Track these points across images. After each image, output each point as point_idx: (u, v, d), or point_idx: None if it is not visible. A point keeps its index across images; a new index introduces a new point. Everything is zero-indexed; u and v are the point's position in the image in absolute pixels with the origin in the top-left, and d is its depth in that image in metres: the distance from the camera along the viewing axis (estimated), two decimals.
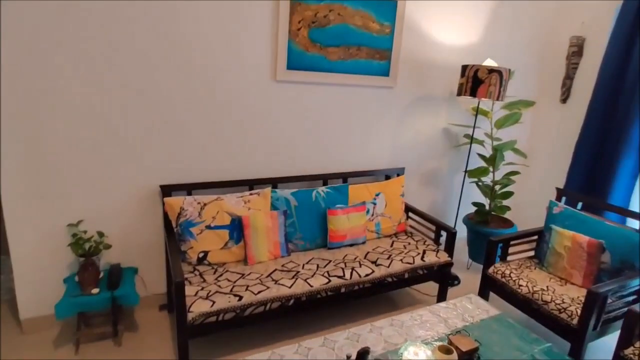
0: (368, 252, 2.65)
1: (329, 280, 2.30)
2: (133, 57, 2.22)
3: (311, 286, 2.24)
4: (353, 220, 2.71)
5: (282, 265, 2.42)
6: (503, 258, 2.74)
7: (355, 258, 2.55)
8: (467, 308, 2.07)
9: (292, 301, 2.20)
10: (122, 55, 2.20)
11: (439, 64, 3.17)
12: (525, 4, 3.36)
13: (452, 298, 2.22)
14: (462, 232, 3.50)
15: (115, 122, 2.28)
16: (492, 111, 3.19)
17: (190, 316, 1.96)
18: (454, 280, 3.18)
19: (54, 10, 1.99)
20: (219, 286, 2.16)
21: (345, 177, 2.99)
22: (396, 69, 2.97)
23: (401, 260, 2.55)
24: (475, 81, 2.77)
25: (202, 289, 2.12)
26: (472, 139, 3.10)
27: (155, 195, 2.48)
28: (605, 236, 2.38)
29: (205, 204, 2.40)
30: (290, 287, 2.20)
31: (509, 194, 3.29)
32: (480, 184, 3.28)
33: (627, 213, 2.63)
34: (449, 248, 2.72)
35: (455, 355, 1.61)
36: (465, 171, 3.18)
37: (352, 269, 2.40)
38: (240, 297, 2.07)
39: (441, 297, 2.78)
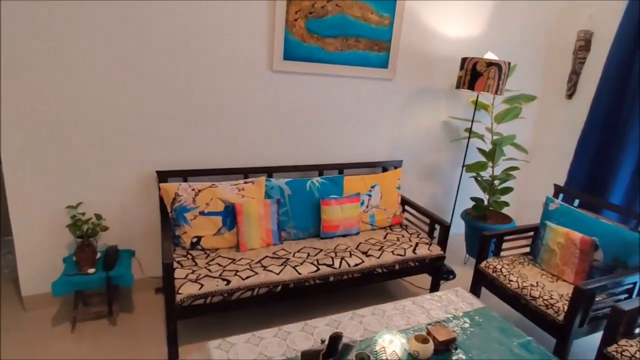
0: (360, 243, 2.67)
1: (318, 269, 2.33)
2: (132, 47, 2.27)
3: (299, 273, 2.27)
4: (347, 211, 2.73)
5: (273, 253, 2.46)
6: (497, 253, 2.72)
7: (346, 248, 2.57)
8: (451, 300, 2.08)
9: (279, 287, 2.24)
10: (122, 44, 2.25)
11: (440, 57, 3.15)
12: None
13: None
14: (461, 227, 3.50)
15: (115, 108, 2.34)
16: (492, 105, 3.16)
17: (178, 297, 2.01)
18: (449, 275, 3.20)
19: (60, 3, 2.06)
20: (209, 270, 2.21)
21: (341, 168, 3.01)
22: (395, 61, 2.96)
23: (392, 252, 2.56)
24: (473, 74, 2.74)
25: (193, 272, 2.17)
26: (470, 133, 3.07)
27: (152, 180, 2.55)
28: (600, 234, 2.35)
29: (199, 191, 2.45)
30: (278, 274, 2.24)
31: (508, 190, 3.26)
32: (479, 179, 3.25)
33: (622, 211, 2.59)
34: (443, 242, 2.71)
35: (431, 344, 1.63)
36: (463, 165, 3.15)
37: (342, 258, 2.43)
38: (228, 282, 2.12)
39: (434, 290, 2.78)
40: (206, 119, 2.58)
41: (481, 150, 3.22)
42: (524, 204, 3.85)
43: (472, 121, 3.04)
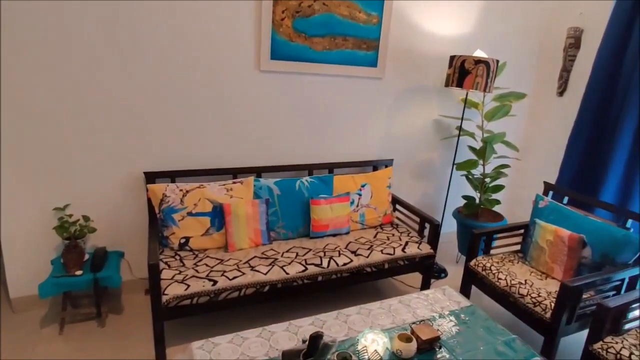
0: (350, 242, 2.66)
1: (306, 268, 2.32)
2: (118, 49, 2.27)
3: (287, 273, 2.27)
4: (336, 210, 2.73)
5: (262, 253, 2.45)
6: (487, 251, 2.72)
7: (335, 248, 2.57)
8: (438, 299, 2.08)
9: (267, 288, 2.23)
10: (108, 47, 2.25)
11: (430, 55, 3.14)
12: None
13: None
14: (453, 225, 3.49)
15: (102, 109, 2.34)
16: (483, 103, 3.15)
17: (164, 298, 2.01)
18: (440, 273, 3.20)
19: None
20: (197, 271, 2.21)
21: (331, 167, 3.00)
22: (384, 60, 2.95)
23: (381, 251, 2.55)
24: (462, 72, 2.74)
25: (180, 272, 2.17)
26: (460, 131, 3.07)
27: (140, 181, 2.55)
28: (588, 231, 2.34)
29: (187, 191, 2.45)
30: (265, 274, 2.23)
31: (499, 188, 3.26)
32: (470, 177, 3.25)
33: (609, 208, 2.58)
34: (433, 240, 2.71)
35: (414, 343, 1.62)
36: (454, 164, 3.15)
37: (331, 258, 2.42)
38: (215, 282, 2.12)
39: (425, 289, 2.77)
40: (194, 119, 2.57)
41: (472, 148, 3.21)
42: (517, 202, 3.84)
43: (462, 119, 3.03)
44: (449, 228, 3.58)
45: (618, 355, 1.73)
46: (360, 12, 2.76)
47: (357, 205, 2.89)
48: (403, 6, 2.91)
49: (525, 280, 2.32)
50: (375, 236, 2.80)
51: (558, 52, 3.41)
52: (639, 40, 2.70)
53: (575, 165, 3.09)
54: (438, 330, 1.76)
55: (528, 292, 2.21)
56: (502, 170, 3.19)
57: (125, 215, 2.57)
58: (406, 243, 2.67)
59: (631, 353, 1.71)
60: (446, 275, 3.20)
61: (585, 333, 2.13)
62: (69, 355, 2.13)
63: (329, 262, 2.39)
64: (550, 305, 2.08)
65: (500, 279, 2.38)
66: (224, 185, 2.55)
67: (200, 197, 2.46)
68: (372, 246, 2.61)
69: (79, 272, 2.26)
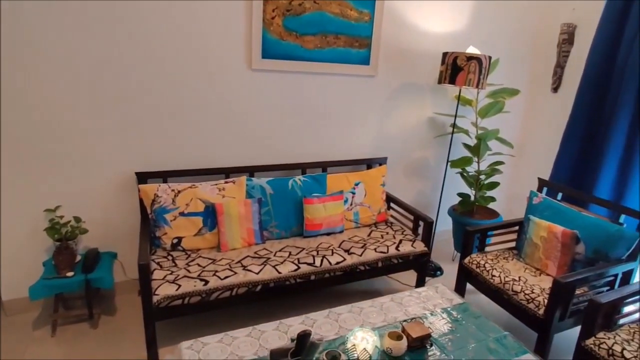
0: (343, 241, 2.65)
1: (298, 267, 2.31)
2: (109, 49, 2.26)
3: (279, 273, 2.26)
4: (329, 209, 2.72)
5: (255, 252, 2.44)
6: (481, 249, 2.71)
7: (329, 246, 2.56)
8: (430, 297, 2.07)
9: (259, 287, 2.22)
10: (99, 46, 2.24)
11: (423, 52, 3.13)
12: None
13: None
14: (450, 223, 3.48)
15: (92, 110, 2.33)
16: (476, 100, 3.14)
17: (155, 299, 2.00)
18: (436, 271, 3.19)
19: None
20: (188, 271, 2.20)
21: (324, 166, 2.99)
22: (377, 58, 2.94)
23: (375, 249, 2.54)
24: (454, 69, 2.72)
25: (171, 273, 2.16)
26: (454, 128, 3.06)
27: (132, 182, 2.54)
28: (581, 226, 2.33)
29: (179, 191, 2.44)
30: (257, 273, 2.22)
31: (494, 185, 3.25)
32: (465, 174, 3.24)
33: (603, 203, 2.57)
34: (427, 238, 2.70)
35: (404, 341, 1.61)
36: (448, 161, 3.14)
37: (324, 256, 2.41)
38: (207, 282, 2.11)
39: (419, 286, 2.76)
40: (186, 119, 2.56)
41: (466, 146, 3.20)
42: (514, 199, 3.83)
43: (455, 116, 3.02)
44: (445, 226, 3.57)
45: (610, 351, 1.71)
46: (352, 10, 2.75)
47: (351, 204, 2.88)
48: (395, 3, 2.90)
49: (519, 277, 2.31)
50: (369, 235, 2.79)
51: (552, 48, 3.40)
52: (631, 36, 2.69)
53: (570, 161, 3.08)
54: (429, 328, 1.75)
55: (522, 288, 2.20)
56: (497, 167, 3.18)
57: (118, 216, 2.56)
58: (400, 241, 2.66)
59: (623, 348, 1.70)
60: (442, 273, 3.19)
61: (578, 329, 2.13)
62: (61, 357, 2.12)
63: (321, 261, 2.38)
64: (544, 301, 2.07)
65: (494, 276, 2.36)
66: (216, 185, 2.54)
67: (192, 197, 2.45)
68: (365, 245, 2.60)
69: (70, 274, 2.25)
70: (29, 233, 2.35)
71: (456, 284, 2.66)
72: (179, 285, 2.06)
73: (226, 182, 2.58)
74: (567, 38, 3.23)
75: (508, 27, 3.37)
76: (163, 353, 2.15)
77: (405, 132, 3.30)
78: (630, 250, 2.18)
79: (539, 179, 2.88)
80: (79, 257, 2.39)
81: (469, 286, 2.60)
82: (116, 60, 2.30)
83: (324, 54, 2.76)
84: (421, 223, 2.75)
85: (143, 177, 2.49)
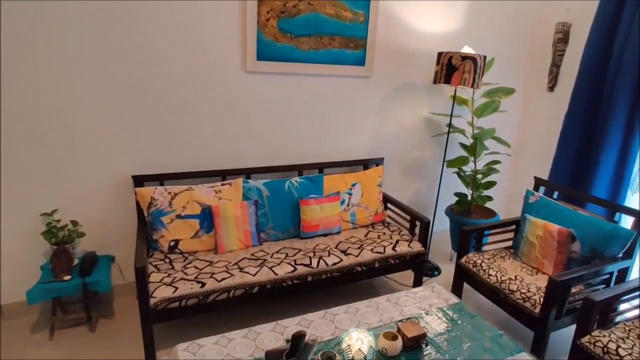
0: (340, 242, 2.66)
1: (295, 269, 2.32)
2: (104, 52, 2.27)
3: (276, 274, 2.26)
4: (326, 210, 2.72)
5: (252, 254, 2.45)
6: (478, 248, 2.72)
7: (326, 247, 2.56)
8: (427, 296, 2.07)
9: (256, 289, 2.23)
10: (93, 46, 2.24)
11: (419, 52, 3.14)
12: None
13: None
14: (447, 223, 3.48)
15: (88, 113, 2.33)
16: (472, 99, 3.15)
17: (152, 301, 2.01)
18: (434, 271, 3.19)
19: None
20: (185, 273, 2.20)
21: (321, 167, 3.00)
22: (372, 58, 2.95)
23: (371, 249, 2.55)
24: (449, 68, 2.73)
25: (168, 275, 2.17)
26: (449, 128, 3.06)
27: (129, 185, 2.54)
28: (577, 225, 2.34)
29: (175, 194, 2.45)
30: (254, 275, 2.23)
31: (491, 184, 3.25)
32: (461, 174, 3.24)
33: (599, 201, 2.57)
34: (424, 238, 2.70)
35: (399, 341, 1.62)
36: (444, 161, 3.14)
37: (320, 257, 2.41)
38: (203, 284, 2.12)
39: (417, 286, 2.76)
40: (182, 122, 2.57)
41: (463, 145, 3.21)
42: (512, 197, 3.83)
43: (451, 116, 3.03)
44: (443, 225, 3.58)
45: (605, 349, 1.72)
46: (347, 11, 2.76)
47: (348, 205, 2.89)
48: (390, 4, 2.91)
49: (516, 276, 2.31)
50: (366, 235, 2.79)
51: (547, 47, 3.40)
52: (625, 34, 2.69)
53: (568, 160, 3.08)
54: (425, 327, 1.75)
55: (518, 287, 2.21)
56: (494, 166, 3.18)
57: (115, 219, 2.57)
58: (397, 241, 2.66)
59: (618, 346, 1.70)
60: (439, 273, 3.19)
61: (573, 328, 2.14)
62: None
63: (318, 262, 2.38)
64: (540, 300, 2.07)
65: (490, 275, 2.37)
66: (213, 187, 2.55)
67: (189, 199, 2.46)
68: (362, 245, 2.60)
69: (67, 277, 2.26)
70: (27, 237, 2.36)
71: (453, 283, 2.67)
72: (176, 288, 2.06)
73: (223, 185, 2.58)
74: (562, 37, 3.24)
75: (503, 27, 3.38)
76: (160, 355, 2.15)
77: (401, 132, 3.31)
78: (626, 248, 2.18)
79: (535, 177, 2.88)
80: (76, 261, 2.40)
81: (467, 285, 2.60)
82: (110, 64, 2.31)
83: (319, 55, 2.77)
84: (418, 223, 2.75)
85: (140, 180, 2.50)
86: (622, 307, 2.08)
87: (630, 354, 1.66)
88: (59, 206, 2.40)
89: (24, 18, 2.08)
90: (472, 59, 2.68)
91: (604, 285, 2.20)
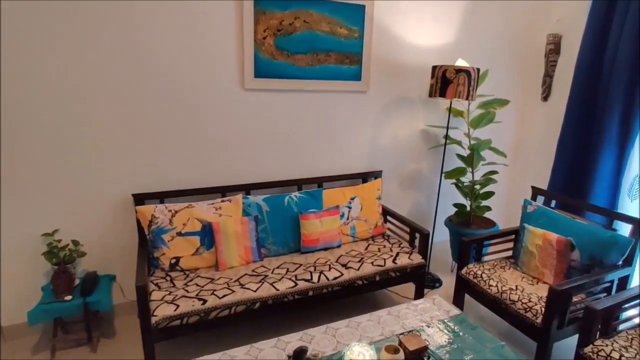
0: (340, 256, 2.66)
1: (296, 284, 2.32)
2: (104, 70, 2.31)
3: (277, 290, 2.26)
4: (326, 224, 2.73)
5: (253, 270, 2.45)
6: (478, 259, 2.72)
7: (326, 262, 2.56)
8: (428, 309, 2.07)
9: (257, 305, 2.23)
10: (94, 67, 2.29)
11: (414, 66, 3.19)
12: (500, 2, 3.35)
13: None
14: (447, 234, 3.49)
15: (88, 133, 2.37)
16: (467, 111, 3.19)
17: (154, 320, 2.01)
18: (435, 283, 3.19)
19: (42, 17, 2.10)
20: (187, 291, 2.20)
21: (320, 182, 3.02)
22: (368, 73, 3.00)
23: (372, 263, 2.55)
24: (444, 81, 2.77)
25: (170, 293, 2.17)
26: (446, 140, 3.10)
27: (129, 203, 2.56)
28: (575, 233, 2.35)
29: (176, 212, 2.46)
30: (255, 291, 2.23)
31: (490, 194, 3.27)
32: (460, 185, 3.26)
33: (596, 210, 2.59)
34: (423, 250, 2.71)
35: (401, 354, 1.62)
36: (442, 172, 3.17)
37: (321, 272, 2.42)
38: (205, 301, 2.12)
39: (418, 299, 2.76)
40: (181, 140, 2.60)
41: (460, 156, 3.24)
42: (512, 207, 3.84)
43: (447, 128, 3.07)
44: (443, 237, 3.58)
45: (608, 358, 1.71)
46: (341, 28, 2.81)
47: (348, 218, 2.90)
48: (384, 19, 2.97)
49: (516, 286, 2.31)
50: (366, 248, 2.80)
51: (539, 58, 3.46)
52: (615, 43, 2.74)
53: (566, 169, 3.11)
54: (426, 340, 1.75)
55: (519, 297, 2.21)
56: (491, 176, 3.20)
57: (116, 238, 2.58)
58: (397, 254, 2.67)
59: (621, 355, 1.70)
60: (440, 284, 3.19)
61: (575, 338, 2.13)
62: None
63: (319, 276, 2.39)
64: (541, 310, 2.07)
65: (491, 286, 2.37)
66: (213, 204, 2.57)
67: (189, 216, 2.47)
68: (362, 259, 2.61)
69: (68, 297, 2.26)
70: (28, 258, 2.37)
71: (454, 295, 2.66)
72: (178, 306, 2.06)
73: (222, 201, 2.60)
74: (554, 48, 3.30)
75: (495, 39, 3.44)
76: None
77: (399, 145, 3.34)
78: (625, 256, 2.19)
79: (532, 187, 2.90)
80: (77, 281, 2.40)
81: (469, 297, 2.60)
82: (109, 85, 2.35)
83: (315, 71, 2.82)
84: (418, 235, 2.76)
85: (140, 199, 2.52)
86: (625, 315, 2.07)
87: None
88: (59, 226, 2.41)
89: (24, 36, 2.12)
90: (466, 71, 2.73)
91: (605, 294, 2.20)
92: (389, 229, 3.11)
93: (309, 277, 2.37)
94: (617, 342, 1.80)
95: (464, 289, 2.60)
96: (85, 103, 2.32)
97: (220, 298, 2.15)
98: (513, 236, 2.79)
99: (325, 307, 2.74)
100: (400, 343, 1.69)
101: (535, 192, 2.86)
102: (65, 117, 2.30)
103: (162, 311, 2.03)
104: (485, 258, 2.76)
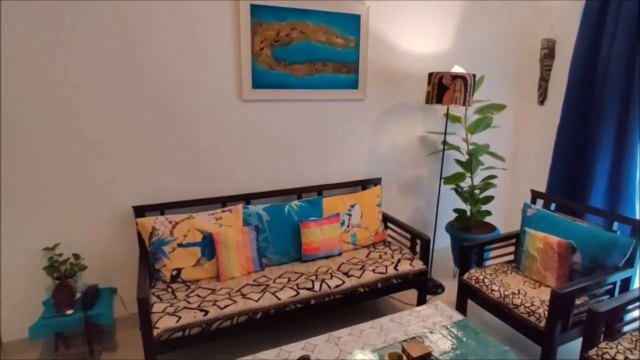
0: (342, 264, 2.66)
1: (298, 293, 2.31)
2: (103, 81, 2.33)
3: (279, 299, 2.26)
4: (327, 232, 2.73)
5: (254, 280, 2.45)
6: (480, 263, 2.71)
7: (327, 270, 2.56)
8: (430, 315, 2.06)
9: (259, 314, 2.22)
10: (92, 78, 2.31)
11: (410, 74, 3.22)
12: (494, 9, 3.39)
13: None
14: (448, 240, 3.49)
15: (87, 146, 2.38)
16: (465, 117, 3.21)
17: (156, 332, 2.00)
18: (437, 289, 3.18)
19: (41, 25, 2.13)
20: (188, 302, 2.20)
21: (320, 190, 3.03)
22: (365, 81, 3.03)
23: (373, 270, 2.55)
24: (440, 88, 2.80)
25: (171, 305, 2.16)
26: (444, 146, 3.11)
27: (130, 216, 2.56)
28: (576, 236, 2.35)
29: (176, 223, 2.46)
30: (257, 301, 2.22)
31: (489, 199, 3.27)
32: (459, 190, 3.27)
33: (596, 212, 2.59)
34: (425, 256, 2.71)
35: None
36: (441, 178, 3.18)
37: (323, 280, 2.41)
38: (206, 312, 2.11)
39: (420, 305, 2.75)
40: (181, 151, 2.62)
41: (459, 162, 3.25)
42: (512, 211, 3.85)
43: (445, 134, 3.08)
44: (444, 242, 3.58)
45: None
46: (338, 37, 2.84)
47: (348, 226, 2.90)
48: (379, 28, 3.00)
49: (519, 290, 2.31)
50: (367, 256, 2.80)
51: (535, 62, 3.49)
52: (608, 47, 2.77)
53: (564, 172, 3.12)
54: (429, 346, 1.74)
55: (522, 301, 2.20)
56: (490, 181, 3.21)
57: (117, 251, 2.58)
58: (398, 260, 2.67)
59: (626, 357, 1.69)
60: (443, 290, 3.18)
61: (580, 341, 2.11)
62: None
63: (320, 285, 2.38)
64: (544, 313, 2.06)
65: (493, 290, 2.36)
66: (213, 214, 2.57)
67: (190, 227, 2.47)
68: (364, 266, 2.60)
69: (69, 312, 2.25)
70: (29, 273, 2.36)
71: (457, 300, 2.65)
72: (179, 317, 2.06)
73: (223, 211, 2.61)
74: (548, 52, 3.33)
75: (491, 45, 3.48)
76: None
77: (397, 152, 3.36)
78: (626, 257, 2.19)
79: (531, 190, 2.91)
80: (78, 294, 2.39)
81: (470, 302, 2.59)
82: (110, 96, 2.37)
83: (313, 80, 2.84)
84: (419, 241, 2.76)
85: (140, 211, 2.52)
86: (629, 316, 2.07)
87: None
88: (60, 240, 2.41)
89: (23, 47, 2.15)
90: (462, 77, 2.75)
91: (608, 296, 2.20)
92: (389, 235, 3.11)
93: (311, 286, 2.36)
94: (621, 344, 1.79)
95: (467, 294, 2.59)
96: (84, 116, 2.34)
97: (222, 309, 2.14)
98: (514, 240, 2.80)
99: (327, 315, 2.73)
100: (404, 350, 1.68)
101: (535, 195, 2.87)
102: (65, 132, 2.31)
103: (164, 323, 2.02)
104: (487, 263, 2.76)
